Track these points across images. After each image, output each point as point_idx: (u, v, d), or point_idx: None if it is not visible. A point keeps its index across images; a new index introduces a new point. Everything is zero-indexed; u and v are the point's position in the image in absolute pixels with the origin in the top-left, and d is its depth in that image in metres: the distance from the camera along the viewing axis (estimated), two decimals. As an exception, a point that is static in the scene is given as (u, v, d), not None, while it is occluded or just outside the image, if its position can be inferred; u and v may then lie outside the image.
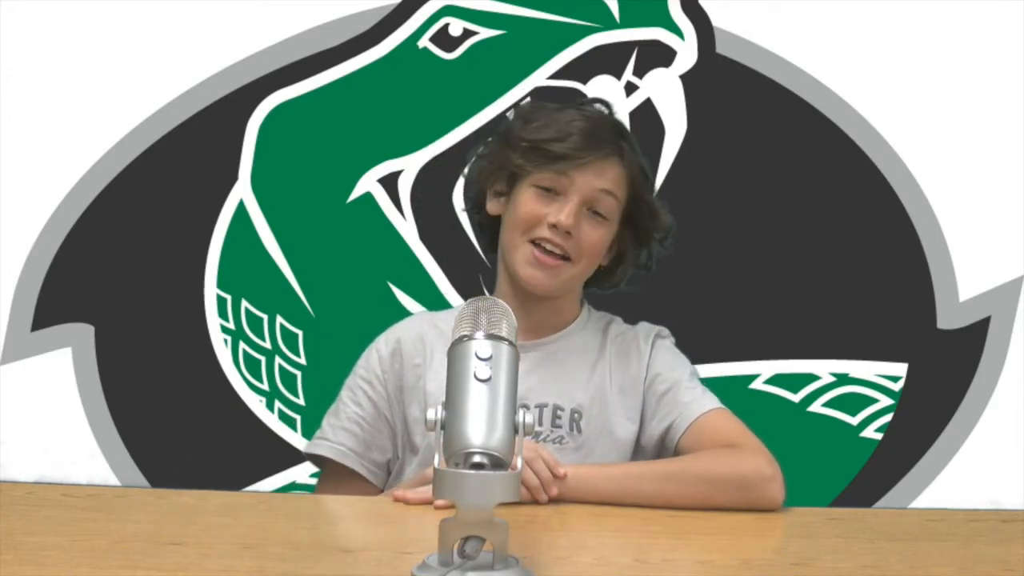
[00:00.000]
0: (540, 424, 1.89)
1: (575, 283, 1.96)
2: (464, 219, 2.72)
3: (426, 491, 1.65)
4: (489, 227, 2.01)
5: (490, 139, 2.02)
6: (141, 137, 2.79)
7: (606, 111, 1.99)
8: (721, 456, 1.80)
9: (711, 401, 1.90)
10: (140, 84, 2.78)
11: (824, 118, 2.78)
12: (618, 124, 1.99)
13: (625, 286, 2.05)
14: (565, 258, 1.90)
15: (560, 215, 1.88)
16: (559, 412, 1.91)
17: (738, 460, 1.78)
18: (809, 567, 1.46)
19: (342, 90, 2.81)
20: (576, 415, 1.91)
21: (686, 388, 1.91)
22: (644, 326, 2.01)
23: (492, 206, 1.98)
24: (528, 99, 2.75)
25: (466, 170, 2.06)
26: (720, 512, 1.71)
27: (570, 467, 1.74)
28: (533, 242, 1.90)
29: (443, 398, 1.83)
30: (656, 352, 1.96)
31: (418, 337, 1.99)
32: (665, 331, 2.02)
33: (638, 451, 1.93)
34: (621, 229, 1.97)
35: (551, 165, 1.90)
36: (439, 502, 1.61)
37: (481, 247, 2.06)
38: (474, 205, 2.04)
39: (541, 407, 1.90)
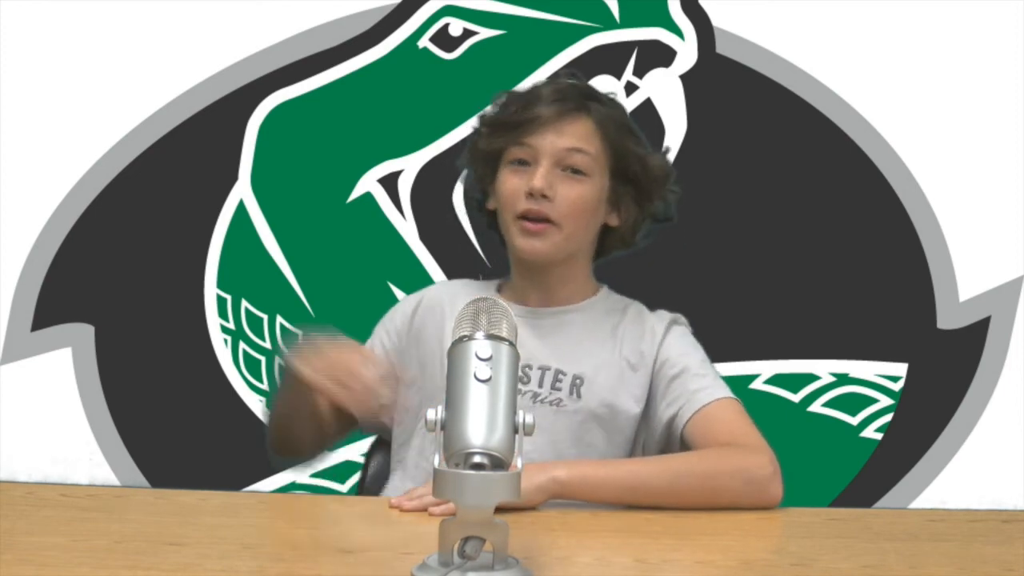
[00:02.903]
0: (540, 386, 1.89)
1: (571, 245, 1.94)
2: (464, 219, 2.73)
3: (420, 501, 1.65)
4: (494, 224, 2.02)
5: (468, 141, 2.04)
6: (141, 137, 2.79)
7: (575, 79, 2.01)
8: (725, 454, 1.79)
9: (720, 390, 1.89)
10: (140, 84, 2.79)
11: (824, 118, 2.78)
12: (587, 87, 2.00)
13: (641, 243, 2.03)
14: (549, 222, 1.90)
15: (532, 180, 1.89)
16: (560, 376, 1.90)
17: (742, 458, 1.77)
18: (809, 567, 1.46)
19: (342, 90, 2.81)
20: (578, 380, 1.90)
21: (695, 375, 1.90)
22: (662, 312, 2.00)
23: (491, 202, 1.99)
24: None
25: (464, 179, 2.07)
26: (721, 512, 1.71)
27: (576, 467, 1.74)
28: (519, 218, 1.91)
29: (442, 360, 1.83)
30: (669, 336, 1.95)
31: (438, 299, 2.02)
32: (682, 318, 2.01)
33: (644, 431, 1.92)
34: (615, 185, 1.96)
35: (515, 137, 1.92)
36: (435, 509, 1.61)
37: (500, 243, 2.05)
38: (479, 209, 2.05)
39: (544, 369, 1.90)
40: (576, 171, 1.91)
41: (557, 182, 1.90)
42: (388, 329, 2.02)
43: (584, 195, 1.91)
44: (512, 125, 1.93)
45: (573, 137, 1.92)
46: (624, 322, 1.97)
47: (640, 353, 1.93)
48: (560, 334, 1.94)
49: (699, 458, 1.81)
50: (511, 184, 1.92)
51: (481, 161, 1.98)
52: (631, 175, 1.96)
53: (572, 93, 1.96)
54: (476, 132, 2.00)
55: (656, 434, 1.91)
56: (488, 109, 2.01)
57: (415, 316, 2.01)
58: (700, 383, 1.89)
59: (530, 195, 1.89)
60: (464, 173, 2.05)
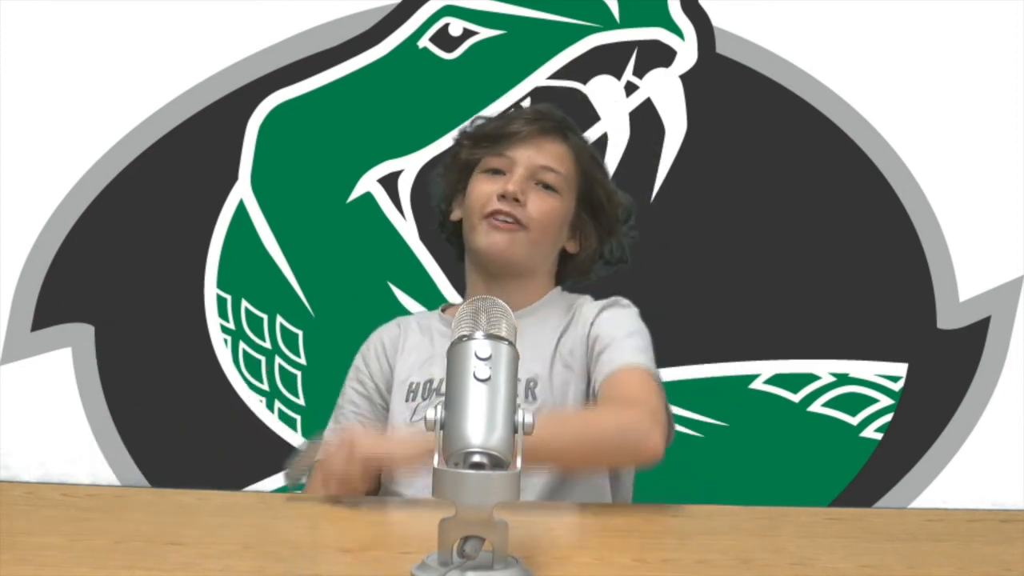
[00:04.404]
0: None
1: (536, 254, 1.99)
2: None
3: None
4: (456, 237, 2.05)
5: (446, 153, 2.10)
6: (141, 137, 2.79)
7: (554, 109, 2.08)
8: (601, 409, 1.82)
9: (630, 356, 1.87)
10: (140, 84, 2.79)
11: (824, 118, 2.78)
12: (565, 117, 2.07)
13: (597, 275, 2.07)
14: (519, 224, 1.94)
15: (507, 184, 1.95)
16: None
17: (618, 412, 1.77)
18: (809, 567, 1.46)
19: (342, 90, 2.82)
20: (531, 383, 1.92)
21: (617, 348, 1.90)
22: (605, 299, 2.02)
23: (455, 213, 2.04)
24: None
25: (432, 191, 2.12)
26: (719, 511, 1.71)
27: None
28: (487, 218, 1.95)
29: (411, 380, 1.94)
30: (602, 316, 1.96)
31: (395, 333, 2.08)
32: (623, 300, 2.02)
33: None
34: (580, 212, 2.01)
35: (494, 147, 1.99)
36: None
37: (457, 257, 2.09)
38: (441, 221, 2.09)
39: None
40: (548, 187, 1.96)
41: (530, 191, 1.95)
42: (359, 378, 2.07)
43: (554, 208, 1.98)
44: (493, 137, 2.01)
45: (549, 156, 1.99)
46: (569, 317, 2.00)
47: (577, 340, 1.95)
48: None
49: (574, 416, 1.83)
50: (484, 188, 1.98)
51: (456, 170, 2.03)
52: (596, 204, 2.03)
53: (551, 116, 2.04)
54: (456, 144, 2.08)
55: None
56: (466, 125, 2.09)
57: (378, 353, 2.07)
58: (615, 353, 1.89)
59: (502, 197, 1.94)
60: (433, 186, 2.11)
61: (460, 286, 2.73)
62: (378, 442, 1.72)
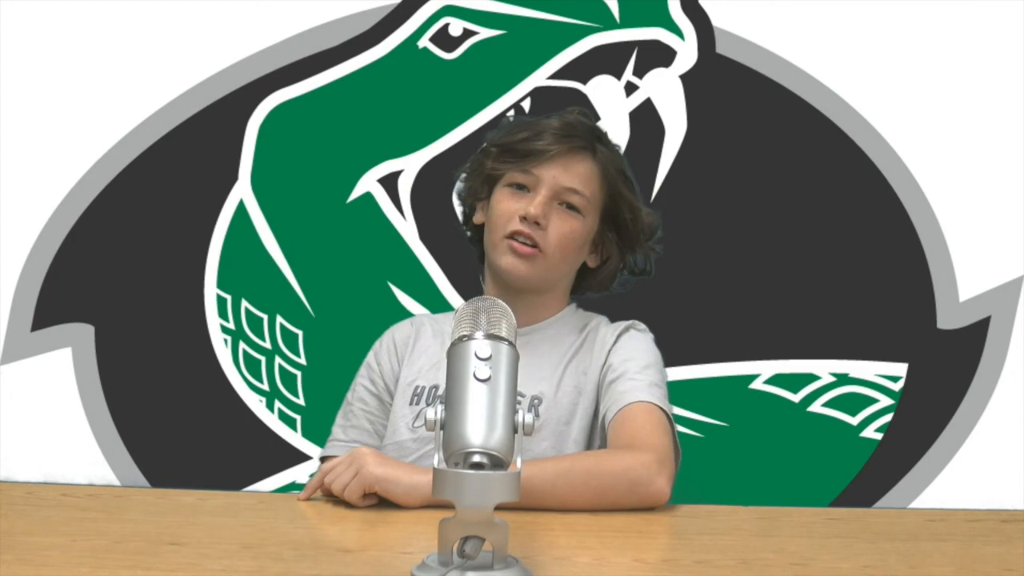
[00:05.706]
0: None
1: (553, 276, 1.99)
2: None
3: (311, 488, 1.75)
4: (479, 238, 2.06)
5: (473, 155, 2.07)
6: (141, 137, 2.79)
7: (584, 118, 2.07)
8: (610, 453, 1.82)
9: (643, 393, 1.89)
10: (140, 84, 2.79)
11: (824, 118, 2.78)
12: (595, 128, 2.07)
13: (616, 290, 2.08)
14: (536, 248, 1.94)
15: (529, 207, 1.94)
16: (519, 398, 1.92)
17: (624, 457, 1.78)
18: (809, 567, 1.46)
19: (342, 90, 2.81)
20: (536, 401, 1.92)
21: (629, 379, 1.91)
22: (620, 322, 2.03)
23: (478, 216, 2.04)
24: (512, 112, 2.78)
25: (456, 189, 2.12)
26: (720, 512, 1.71)
27: None
28: (509, 237, 1.95)
29: (417, 383, 1.94)
30: (619, 342, 1.98)
31: (408, 333, 2.09)
32: (640, 325, 2.03)
33: (596, 436, 1.94)
34: (604, 229, 2.00)
35: (521, 163, 1.98)
36: (301, 495, 1.73)
37: (477, 258, 2.09)
38: (465, 220, 2.09)
39: None
40: (571, 207, 1.95)
41: (552, 213, 1.96)
42: (370, 376, 2.07)
43: (575, 231, 1.97)
44: (521, 152, 1.99)
45: (576, 177, 1.98)
46: (582, 338, 2.00)
47: (592, 366, 1.95)
48: (521, 355, 1.96)
49: (583, 458, 1.83)
50: (508, 206, 1.97)
51: (480, 178, 2.02)
52: (620, 221, 2.03)
53: (581, 131, 2.02)
54: (483, 151, 2.05)
55: (600, 439, 1.93)
56: (496, 131, 2.07)
57: (390, 354, 2.07)
58: (629, 385, 1.90)
59: (523, 219, 1.93)
60: (457, 185, 2.10)
61: (460, 286, 2.75)
62: (385, 472, 1.71)
